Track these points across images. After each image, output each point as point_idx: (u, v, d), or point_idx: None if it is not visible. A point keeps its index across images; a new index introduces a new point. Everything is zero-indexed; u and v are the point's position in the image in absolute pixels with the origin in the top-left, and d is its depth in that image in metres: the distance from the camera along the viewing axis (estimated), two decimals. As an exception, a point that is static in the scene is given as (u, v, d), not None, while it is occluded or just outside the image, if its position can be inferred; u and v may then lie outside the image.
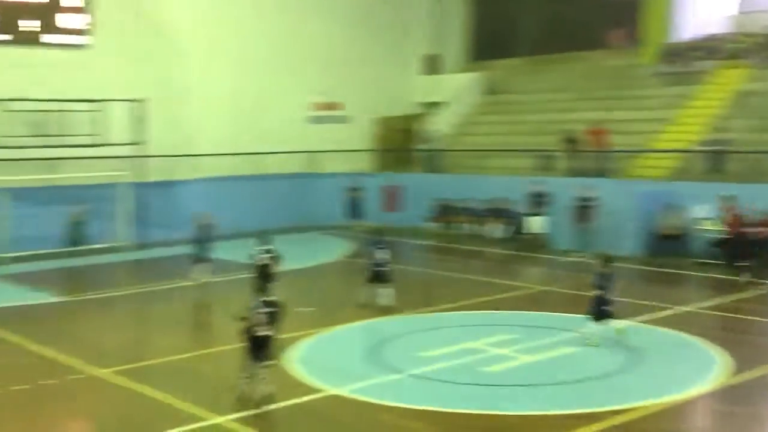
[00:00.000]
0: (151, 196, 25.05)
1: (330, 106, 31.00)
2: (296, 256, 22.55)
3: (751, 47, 26.01)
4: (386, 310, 15.53)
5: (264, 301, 11.21)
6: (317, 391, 11.20)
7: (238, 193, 27.23)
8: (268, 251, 16.28)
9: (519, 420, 10.08)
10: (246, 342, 10.68)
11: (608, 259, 13.34)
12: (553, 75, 31.16)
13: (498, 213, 25.17)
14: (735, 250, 19.15)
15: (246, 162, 27.63)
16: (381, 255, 16.02)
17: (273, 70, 28.88)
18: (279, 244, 24.72)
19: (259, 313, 10.74)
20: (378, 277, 15.92)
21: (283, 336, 13.72)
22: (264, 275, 15.57)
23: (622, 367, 12.01)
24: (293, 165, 29.05)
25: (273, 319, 11.09)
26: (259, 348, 10.57)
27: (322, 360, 12.78)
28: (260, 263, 15.93)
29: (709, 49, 27.04)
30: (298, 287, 18.87)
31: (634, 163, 24.40)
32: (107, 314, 16.95)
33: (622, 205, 21.54)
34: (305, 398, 10.92)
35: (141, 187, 24.65)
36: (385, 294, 15.80)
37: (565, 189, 23.20)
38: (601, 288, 13.07)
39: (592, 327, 13.04)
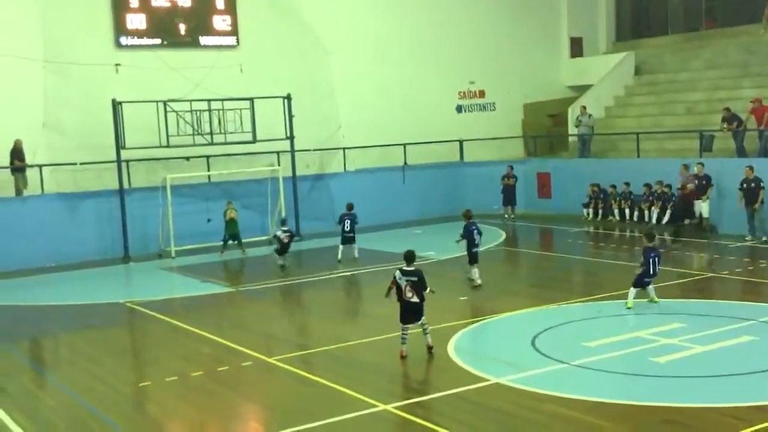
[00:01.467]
0: (304, 190, 25.79)
1: (477, 94, 30.84)
2: (448, 245, 22.66)
3: None
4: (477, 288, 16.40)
5: (404, 270, 12.14)
6: (480, 380, 11.16)
7: (388, 185, 27.61)
8: (287, 230, 20.61)
9: (695, 412, 9.67)
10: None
11: None
12: (706, 52, 29.76)
13: (657, 197, 24.28)
14: None
15: (395, 153, 27.95)
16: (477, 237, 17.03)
17: (419, 60, 29.03)
18: (431, 233, 25.50)
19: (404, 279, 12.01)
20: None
21: (444, 325, 13.89)
22: (283, 247, 20.34)
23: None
24: (443, 154, 29.15)
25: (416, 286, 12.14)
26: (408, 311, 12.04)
27: (482, 349, 12.75)
28: (282, 239, 20.28)
29: None
30: (452, 276, 18.96)
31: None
32: (272, 303, 17.59)
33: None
34: (468, 387, 10.91)
35: (293, 181, 25.36)
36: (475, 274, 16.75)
37: (729, 171, 22.13)
38: None
39: None
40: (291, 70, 26.34)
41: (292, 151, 25.13)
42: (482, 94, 30.93)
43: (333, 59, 27.45)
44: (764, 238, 20.36)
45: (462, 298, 16.37)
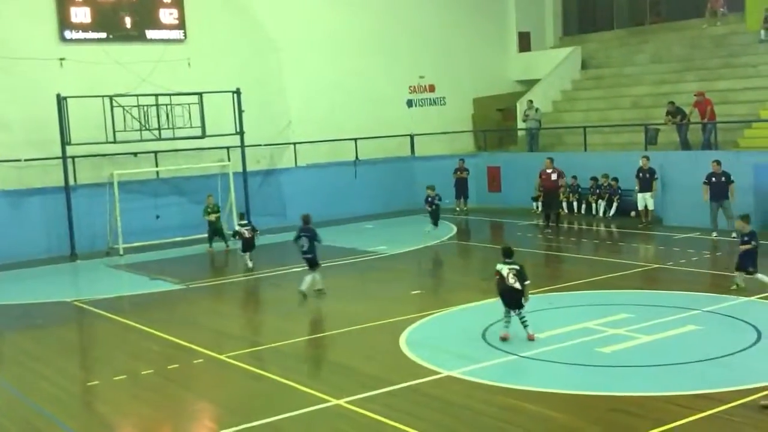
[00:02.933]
0: (254, 186, 25.65)
1: (427, 89, 30.98)
2: (401, 239, 22.83)
3: None
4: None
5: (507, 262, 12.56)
6: (432, 373, 11.26)
7: (339, 180, 27.64)
8: (246, 224, 19.99)
9: (641, 401, 9.88)
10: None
11: (746, 218, 14.65)
12: (651, 46, 30.35)
13: (603, 190, 24.70)
14: None
15: (346, 148, 27.95)
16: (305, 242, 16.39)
17: (369, 55, 29.03)
18: (382, 227, 25.60)
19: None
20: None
21: (395, 319, 13.97)
22: (246, 243, 19.80)
23: (746, 347, 11.63)
24: (394, 149, 29.24)
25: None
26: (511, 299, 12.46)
27: (434, 342, 12.83)
28: (243, 233, 19.77)
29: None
30: (404, 270, 19.08)
31: (743, 134, 23.52)
32: (223, 300, 17.49)
33: (738, 179, 20.50)
34: (420, 380, 10.99)
35: (243, 176, 25.21)
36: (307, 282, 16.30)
37: (674, 164, 22.62)
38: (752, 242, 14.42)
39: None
40: (240, 65, 26.14)
41: (242, 146, 24.95)
42: (432, 88, 31.08)
43: (283, 54, 27.33)
44: (733, 234, 20.29)
45: (414, 292, 16.48)
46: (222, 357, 12.61)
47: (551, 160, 24.06)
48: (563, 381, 10.76)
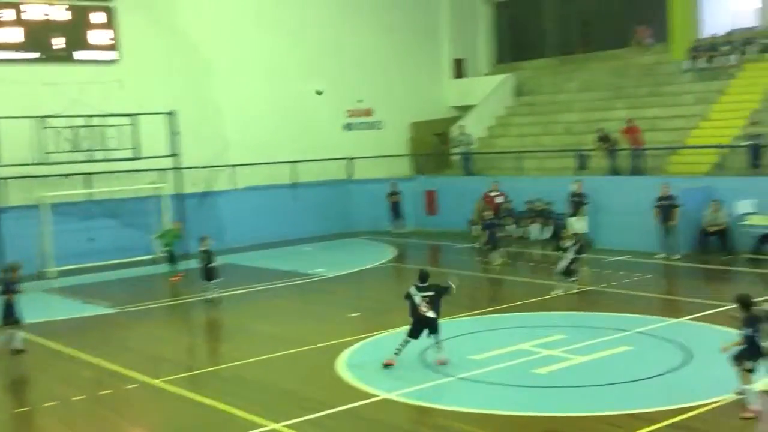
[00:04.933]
0: (191, 208, 25.39)
1: (365, 113, 31.18)
2: (339, 261, 22.85)
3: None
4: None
5: (419, 287, 12.44)
6: (370, 395, 11.28)
7: (277, 202, 27.56)
8: (207, 250, 18.20)
9: (576, 421, 10.07)
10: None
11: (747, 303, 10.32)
12: (582, 74, 31.12)
13: (538, 214, 25.16)
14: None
15: (284, 171, 27.89)
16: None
17: (306, 78, 29.05)
18: (321, 250, 25.58)
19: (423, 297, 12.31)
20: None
21: (334, 342, 13.95)
22: (206, 268, 18.13)
23: (676, 367, 11.95)
24: (334, 172, 29.29)
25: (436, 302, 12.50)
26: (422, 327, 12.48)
27: (371, 365, 12.85)
28: (203, 258, 18.18)
29: (738, 43, 26.86)
30: (342, 293, 19.09)
31: (670, 160, 24.26)
32: (157, 324, 17.20)
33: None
34: (358, 403, 11.00)
35: (180, 198, 24.96)
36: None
37: (604, 188, 23.19)
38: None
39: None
40: (176, 87, 25.91)
41: (177, 168, 24.69)
42: (370, 112, 31.28)
43: (219, 76, 27.21)
44: (677, 256, 20.84)
45: (352, 314, 16.49)
46: (157, 382, 12.40)
47: (497, 183, 24.59)
48: (500, 402, 10.90)
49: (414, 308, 12.40)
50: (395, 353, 12.43)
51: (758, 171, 21.48)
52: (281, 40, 28.72)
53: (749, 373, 10.15)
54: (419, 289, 12.45)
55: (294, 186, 28.14)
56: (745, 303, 10.34)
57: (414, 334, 12.50)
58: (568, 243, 16.31)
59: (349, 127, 30.76)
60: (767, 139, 21.76)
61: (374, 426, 10.29)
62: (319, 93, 28.49)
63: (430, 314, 12.31)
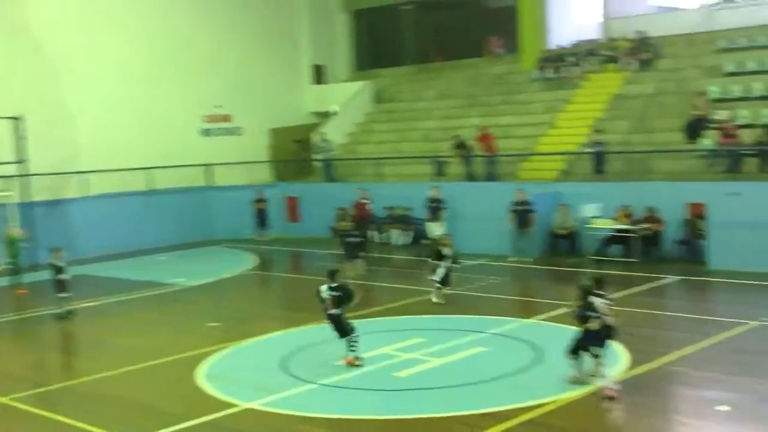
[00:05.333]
0: (39, 217, 24.27)
1: (223, 118, 30.76)
2: (199, 271, 22.42)
3: (624, 52, 27.42)
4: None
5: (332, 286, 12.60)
6: (230, 406, 11.17)
7: (132, 210, 26.73)
8: (56, 263, 17.33)
9: (432, 422, 10.33)
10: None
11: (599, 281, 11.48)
12: (438, 83, 31.94)
13: (398, 220, 25.60)
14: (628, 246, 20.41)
15: (139, 177, 27.09)
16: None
17: (160, 82, 28.38)
18: (179, 259, 25.00)
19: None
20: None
21: (193, 353, 13.71)
22: (57, 280, 17.25)
23: (528, 365, 12.47)
24: (192, 179, 28.67)
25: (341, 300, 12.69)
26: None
27: (232, 375, 12.73)
28: (53, 270, 17.36)
29: (584, 54, 28.36)
30: (202, 303, 18.76)
31: (521, 167, 25.26)
32: (3, 339, 16.35)
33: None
34: (217, 414, 10.87)
35: (28, 207, 23.82)
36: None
37: (460, 194, 23.87)
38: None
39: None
40: (21, 90, 24.71)
41: (24, 175, 23.56)
42: (228, 118, 30.90)
43: (68, 78, 26.16)
44: (530, 259, 21.54)
45: (212, 324, 16.24)
46: (4, 400, 11.80)
47: (365, 190, 24.74)
48: (361, 407, 11.05)
49: (323, 304, 12.63)
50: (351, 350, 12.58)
51: (602, 177, 22.71)
52: (135, 41, 27.91)
53: (597, 358, 10.89)
54: (330, 288, 12.62)
55: (150, 193, 27.39)
56: (587, 291, 11.15)
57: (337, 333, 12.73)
58: (446, 251, 16.57)
59: (207, 132, 30.28)
60: (610, 146, 23.03)
61: (236, 436, 10.21)
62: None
63: (333, 311, 12.53)
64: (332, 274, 12.77)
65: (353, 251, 20.65)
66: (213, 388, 11.98)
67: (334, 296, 12.61)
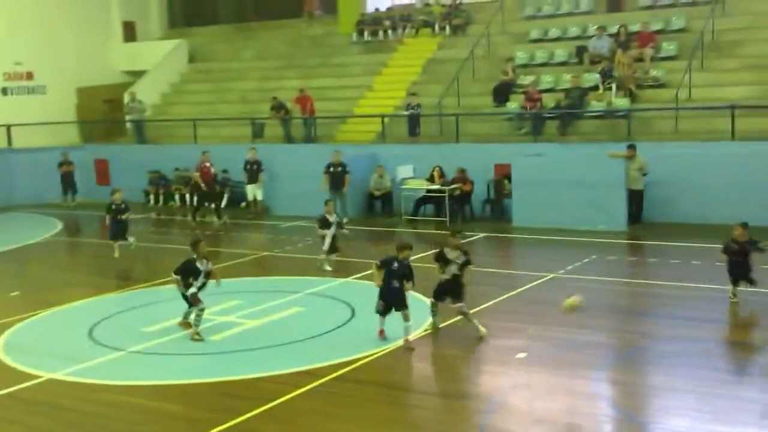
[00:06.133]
0: None
1: (24, 76, 28.82)
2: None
3: (438, 17, 28.11)
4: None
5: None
6: (32, 377, 10.63)
7: None
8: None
9: (249, 383, 10.29)
10: None
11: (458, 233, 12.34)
12: (256, 43, 31.47)
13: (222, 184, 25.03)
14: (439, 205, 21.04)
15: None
16: None
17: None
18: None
19: None
20: None
21: (-10, 324, 12.89)
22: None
23: (342, 323, 12.65)
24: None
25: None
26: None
27: (35, 345, 12.09)
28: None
29: (400, 18, 28.82)
30: (2, 271, 17.71)
31: (339, 129, 25.43)
32: None
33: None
34: (19, 386, 10.33)
35: None
36: None
37: (279, 156, 23.71)
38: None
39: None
40: None
41: None
42: (31, 76, 29.00)
43: None
44: (345, 220, 21.54)
45: (13, 294, 15.33)
46: None
47: (208, 152, 23.39)
48: (174, 372, 10.82)
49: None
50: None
51: (416, 139, 23.28)
52: None
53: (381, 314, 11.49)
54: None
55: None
56: (384, 262, 11.55)
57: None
58: (332, 219, 16.19)
59: (5, 91, 28.31)
60: (424, 110, 23.61)
61: (35, 408, 9.72)
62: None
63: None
64: (194, 246, 12.33)
65: (121, 228, 18.47)
66: (13, 359, 11.35)
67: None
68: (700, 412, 8.97)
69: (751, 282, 12.56)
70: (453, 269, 11.56)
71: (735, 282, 12.67)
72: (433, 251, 12.22)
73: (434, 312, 11.93)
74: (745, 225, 12.66)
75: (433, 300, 11.86)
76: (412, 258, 11.71)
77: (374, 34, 28.77)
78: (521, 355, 10.82)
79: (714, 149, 18.81)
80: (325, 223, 16.22)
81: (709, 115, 20.16)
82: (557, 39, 25.55)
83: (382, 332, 11.57)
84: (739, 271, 12.59)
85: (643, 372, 10.52)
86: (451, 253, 11.62)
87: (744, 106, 19.56)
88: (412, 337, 11.39)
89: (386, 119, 24.44)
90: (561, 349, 11.03)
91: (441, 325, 12.02)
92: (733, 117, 18.98)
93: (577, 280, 14.42)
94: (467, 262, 11.62)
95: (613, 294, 14.14)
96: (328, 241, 16.19)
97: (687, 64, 21.23)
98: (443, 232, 19.52)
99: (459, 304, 11.63)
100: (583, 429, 8.71)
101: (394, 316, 11.43)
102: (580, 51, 24.18)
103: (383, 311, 11.53)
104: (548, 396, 9.61)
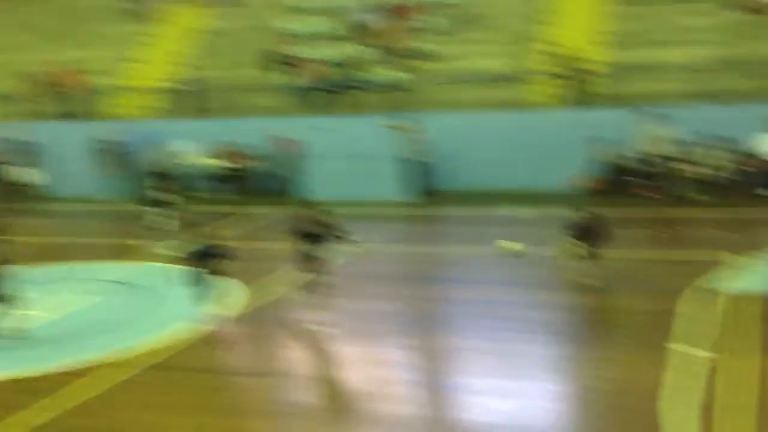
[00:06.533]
0: None
1: None
2: None
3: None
4: None
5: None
6: None
7: None
8: None
9: (51, 379, 10.09)
10: None
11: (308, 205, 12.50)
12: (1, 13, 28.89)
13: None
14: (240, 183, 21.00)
15: None
16: None
17: None
18: None
19: None
20: None
21: None
22: None
23: (142, 310, 12.53)
24: None
25: None
26: None
27: None
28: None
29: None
30: None
31: (107, 103, 24.17)
32: None
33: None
34: None
35: None
36: None
37: (61, 135, 22.28)
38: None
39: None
40: None
41: None
42: None
43: None
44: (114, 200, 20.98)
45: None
46: None
47: None
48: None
49: None
50: None
51: (194, 114, 22.72)
52: None
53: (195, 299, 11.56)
54: None
55: None
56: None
57: None
58: (163, 196, 15.59)
59: None
60: (198, 84, 23.04)
61: None
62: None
63: None
64: None
65: None
66: None
67: None
68: (495, 368, 9.89)
69: None
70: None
71: None
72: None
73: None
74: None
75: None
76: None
77: (137, 1, 27.32)
78: (325, 329, 11.30)
79: (488, 120, 19.68)
80: (156, 203, 16.19)
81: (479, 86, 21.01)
82: (324, 11, 25.57)
83: (198, 317, 11.53)
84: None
85: (442, 335, 11.37)
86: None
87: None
88: (221, 319, 11.51)
89: (160, 94, 23.58)
90: (362, 321, 11.65)
91: (249, 309, 12.18)
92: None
93: (372, 251, 14.20)
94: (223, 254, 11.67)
95: (405, 262, 14.87)
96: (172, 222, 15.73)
97: (449, 38, 22.22)
98: (234, 210, 19.30)
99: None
100: (387, 395, 9.30)
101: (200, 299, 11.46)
102: (351, 23, 24.54)
103: (196, 296, 11.46)
104: (351, 366, 10.21)
